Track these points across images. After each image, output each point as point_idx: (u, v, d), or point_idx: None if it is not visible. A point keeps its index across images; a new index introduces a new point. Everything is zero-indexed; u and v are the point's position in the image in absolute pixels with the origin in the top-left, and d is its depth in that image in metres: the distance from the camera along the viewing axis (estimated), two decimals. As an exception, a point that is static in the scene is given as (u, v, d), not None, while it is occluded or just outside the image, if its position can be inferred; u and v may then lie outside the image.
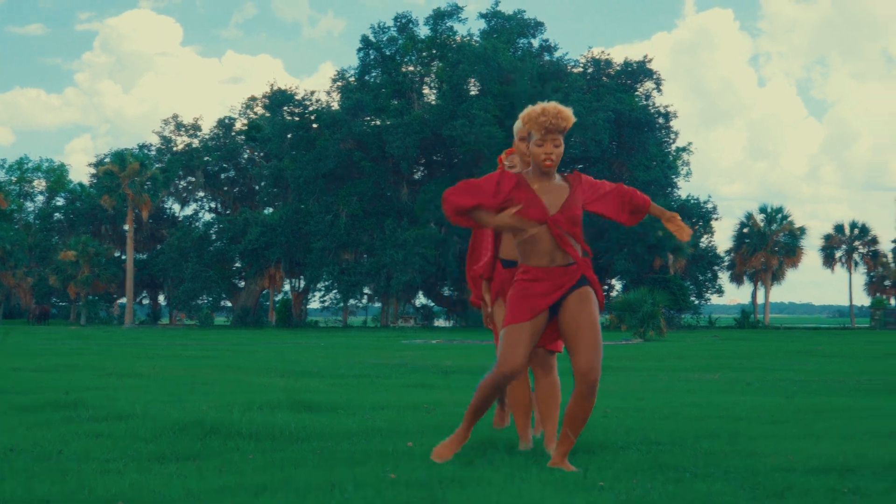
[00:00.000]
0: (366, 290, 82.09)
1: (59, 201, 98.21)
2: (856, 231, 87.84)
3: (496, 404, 8.80)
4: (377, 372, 19.30)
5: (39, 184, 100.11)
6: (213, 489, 5.59)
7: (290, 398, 11.37)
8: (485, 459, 6.74)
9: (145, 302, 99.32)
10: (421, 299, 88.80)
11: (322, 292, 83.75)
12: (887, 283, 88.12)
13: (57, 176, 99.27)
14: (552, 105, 6.49)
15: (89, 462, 6.70)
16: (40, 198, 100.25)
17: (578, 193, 6.65)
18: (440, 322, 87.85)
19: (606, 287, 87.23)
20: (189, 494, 5.43)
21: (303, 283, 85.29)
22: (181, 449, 7.30)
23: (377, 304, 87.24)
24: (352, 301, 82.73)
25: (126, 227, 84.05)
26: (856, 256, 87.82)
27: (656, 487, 5.53)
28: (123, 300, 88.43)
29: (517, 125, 7.18)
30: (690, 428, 8.81)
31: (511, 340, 6.51)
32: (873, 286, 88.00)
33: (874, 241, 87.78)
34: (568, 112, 6.54)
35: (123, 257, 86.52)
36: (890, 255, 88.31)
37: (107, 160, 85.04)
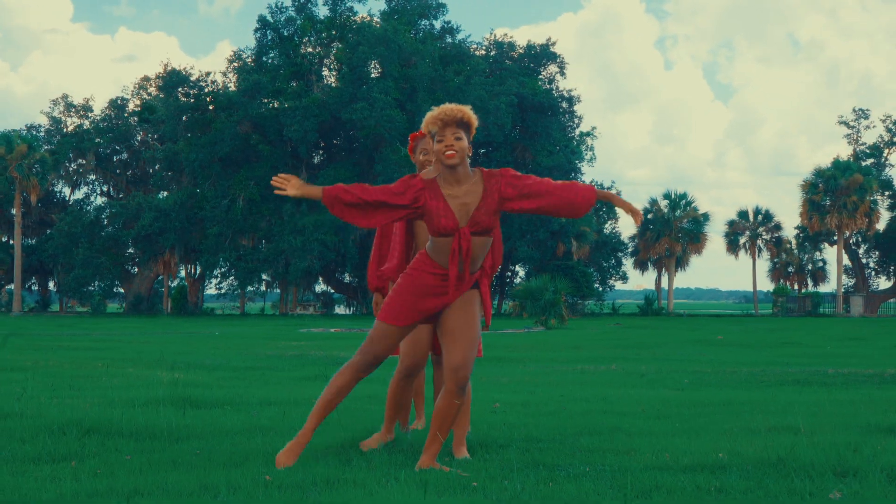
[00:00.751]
0: (264, 277, 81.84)
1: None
2: (760, 217, 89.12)
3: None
4: (270, 364, 19.38)
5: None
6: (86, 492, 5.70)
7: (175, 394, 11.45)
8: (363, 458, 6.90)
9: (34, 288, 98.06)
10: (321, 286, 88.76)
11: (219, 279, 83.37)
12: (791, 269, 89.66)
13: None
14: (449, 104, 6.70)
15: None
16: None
17: (494, 195, 6.71)
18: (340, 309, 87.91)
19: (510, 273, 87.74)
20: (61, 498, 5.53)
21: (199, 270, 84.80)
22: (58, 450, 7.36)
23: (276, 291, 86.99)
24: (250, 288, 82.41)
25: (13, 211, 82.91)
26: (760, 243, 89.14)
27: (528, 487, 5.73)
28: (11, 287, 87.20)
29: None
30: (573, 424, 9.03)
31: (384, 335, 6.80)
32: (777, 273, 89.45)
33: (778, 227, 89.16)
34: (466, 108, 6.70)
35: (11, 243, 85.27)
36: (794, 242, 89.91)
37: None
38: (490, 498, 5.42)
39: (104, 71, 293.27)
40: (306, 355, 22.25)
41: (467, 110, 6.69)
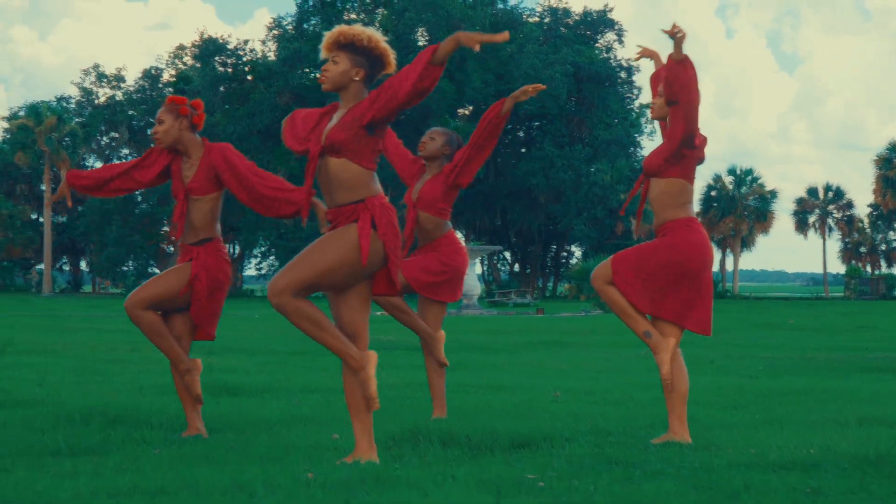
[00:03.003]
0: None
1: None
2: (830, 194, 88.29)
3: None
4: (314, 348, 19.11)
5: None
6: (107, 491, 5.40)
7: (211, 380, 11.18)
8: (415, 454, 6.60)
9: (66, 268, 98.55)
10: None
11: (258, 259, 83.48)
12: (863, 250, 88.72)
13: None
14: None
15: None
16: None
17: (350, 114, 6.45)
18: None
19: (565, 253, 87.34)
20: (77, 497, 5.24)
21: (237, 249, 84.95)
22: (80, 442, 7.10)
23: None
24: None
25: (43, 186, 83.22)
26: (830, 221, 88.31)
27: (600, 488, 5.39)
28: (41, 266, 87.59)
29: None
30: (643, 415, 8.71)
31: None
32: (848, 253, 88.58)
33: (849, 205, 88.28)
34: (353, 28, 6.53)
35: (40, 220, 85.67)
36: (866, 221, 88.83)
37: (21, 113, 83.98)
38: (559, 499, 5.09)
39: (137, 40, 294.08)
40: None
41: (347, 28, 6.54)
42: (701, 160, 7.39)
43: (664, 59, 7.42)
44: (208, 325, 8.02)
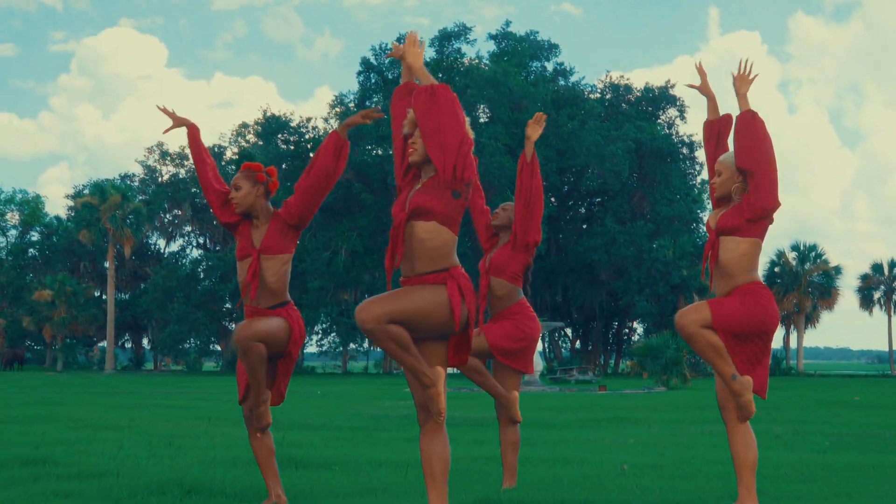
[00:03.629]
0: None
1: (34, 236, 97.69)
2: (895, 270, 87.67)
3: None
4: (376, 424, 19.28)
5: (12, 217, 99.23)
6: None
7: (280, 453, 11.31)
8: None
9: (128, 346, 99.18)
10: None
11: (319, 335, 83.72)
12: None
13: (31, 208, 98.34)
14: None
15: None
16: (13, 232, 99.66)
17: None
18: (448, 370, 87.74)
19: (627, 330, 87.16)
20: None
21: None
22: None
23: (379, 349, 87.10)
24: (352, 345, 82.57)
25: (107, 264, 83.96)
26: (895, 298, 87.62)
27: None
28: (104, 344, 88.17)
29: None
30: (712, 488, 8.78)
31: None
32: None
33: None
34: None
35: (104, 297, 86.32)
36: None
37: (85, 191, 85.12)
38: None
39: (200, 118, 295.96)
40: (414, 415, 22.08)
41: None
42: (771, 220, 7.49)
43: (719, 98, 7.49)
44: (284, 386, 8.23)
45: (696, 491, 8.54)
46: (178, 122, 8.45)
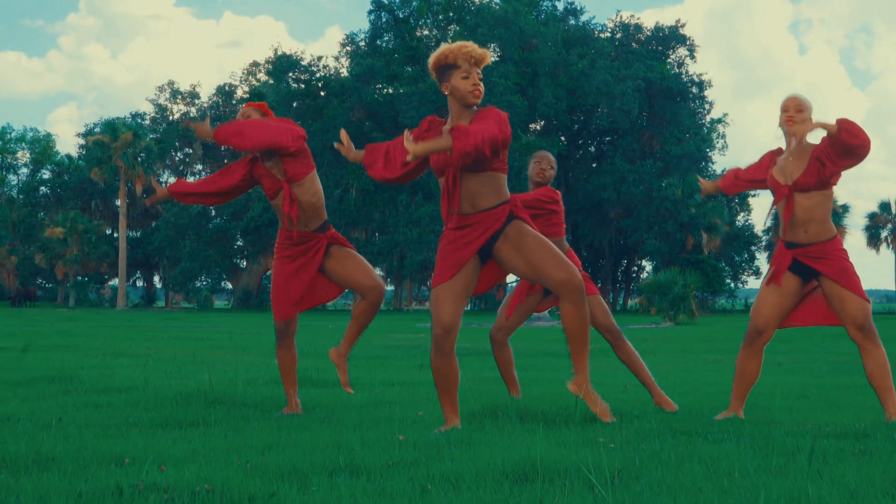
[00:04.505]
0: (378, 272, 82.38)
1: (46, 174, 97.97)
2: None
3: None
4: (388, 353, 19.73)
5: (23, 155, 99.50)
6: (219, 449, 5.98)
7: (299, 372, 11.75)
8: (495, 425, 7.13)
9: (139, 284, 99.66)
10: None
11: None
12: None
13: (42, 147, 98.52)
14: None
15: (90, 428, 7.07)
16: (24, 170, 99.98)
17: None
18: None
19: (636, 268, 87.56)
20: (194, 454, 5.81)
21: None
22: (185, 417, 7.69)
23: (390, 287, 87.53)
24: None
25: (118, 202, 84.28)
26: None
27: (666, 448, 5.91)
28: (115, 281, 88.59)
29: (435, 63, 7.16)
30: (709, 402, 9.19)
31: (436, 298, 6.97)
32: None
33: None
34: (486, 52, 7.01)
35: (115, 235, 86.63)
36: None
37: (97, 130, 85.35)
38: (628, 456, 5.60)
39: (209, 57, 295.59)
40: (425, 346, 22.50)
41: (487, 53, 6.99)
42: None
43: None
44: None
45: (694, 404, 8.94)
46: (160, 194, 8.79)
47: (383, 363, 16.66)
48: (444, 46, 7.01)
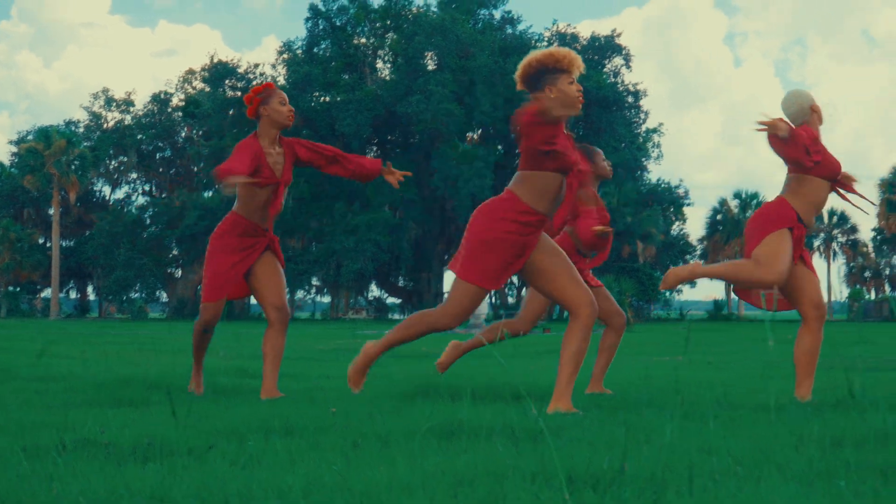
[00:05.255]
0: (314, 282, 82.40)
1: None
2: (835, 219, 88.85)
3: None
4: (326, 357, 19.88)
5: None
6: (158, 420, 6.20)
7: (231, 365, 12.00)
8: (427, 399, 7.38)
9: (73, 294, 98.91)
10: (374, 291, 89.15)
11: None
12: (867, 274, 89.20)
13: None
14: None
15: (30, 408, 7.24)
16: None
17: None
18: (397, 316, 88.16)
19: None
20: (134, 421, 6.03)
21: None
22: (125, 396, 7.89)
23: (325, 300, 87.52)
24: (300, 293, 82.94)
25: (51, 210, 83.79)
26: (835, 246, 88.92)
27: (589, 416, 6.19)
28: (47, 294, 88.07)
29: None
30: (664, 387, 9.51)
31: (471, 299, 6.99)
32: (853, 277, 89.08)
33: (854, 229, 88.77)
34: None
35: (48, 244, 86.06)
36: (870, 245, 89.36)
37: (30, 137, 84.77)
38: (554, 419, 5.86)
39: (144, 66, 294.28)
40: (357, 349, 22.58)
41: None
42: None
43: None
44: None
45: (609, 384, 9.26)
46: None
47: (321, 365, 16.81)
48: (552, 49, 7.18)
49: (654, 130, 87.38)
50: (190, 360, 9.62)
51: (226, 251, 8.48)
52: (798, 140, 7.82)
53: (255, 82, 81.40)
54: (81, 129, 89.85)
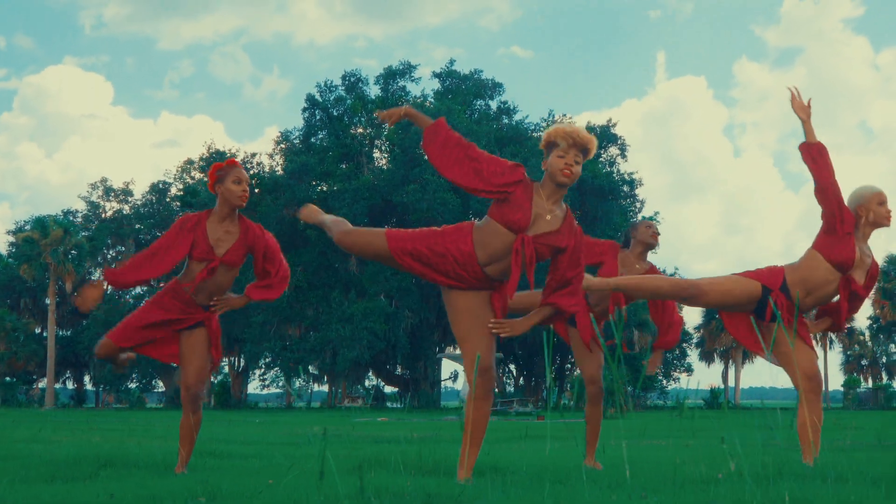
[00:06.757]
0: (311, 370, 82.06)
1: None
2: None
3: None
4: (309, 440, 19.67)
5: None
6: (92, 491, 6.12)
7: (202, 448, 11.85)
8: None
9: (69, 384, 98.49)
10: (371, 380, 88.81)
11: (263, 370, 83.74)
12: (864, 362, 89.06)
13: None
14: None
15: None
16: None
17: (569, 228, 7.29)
18: (394, 405, 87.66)
19: (570, 364, 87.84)
20: (68, 494, 5.94)
21: (242, 363, 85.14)
22: (79, 473, 7.81)
23: (323, 388, 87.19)
24: (297, 383, 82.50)
25: (48, 300, 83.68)
26: (831, 334, 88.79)
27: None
28: (43, 384, 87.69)
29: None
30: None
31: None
32: (850, 366, 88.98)
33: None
34: (594, 139, 7.25)
35: (45, 334, 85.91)
36: (867, 334, 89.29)
37: (27, 227, 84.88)
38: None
39: (145, 156, 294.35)
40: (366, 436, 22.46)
41: (595, 141, 7.24)
42: None
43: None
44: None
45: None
46: (95, 295, 8.82)
47: (301, 449, 16.65)
48: (553, 126, 7.29)
49: (651, 218, 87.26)
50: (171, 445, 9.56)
51: (157, 307, 8.46)
52: (829, 192, 7.97)
53: (252, 171, 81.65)
54: (80, 219, 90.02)
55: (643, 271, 10.15)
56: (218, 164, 8.55)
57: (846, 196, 8.47)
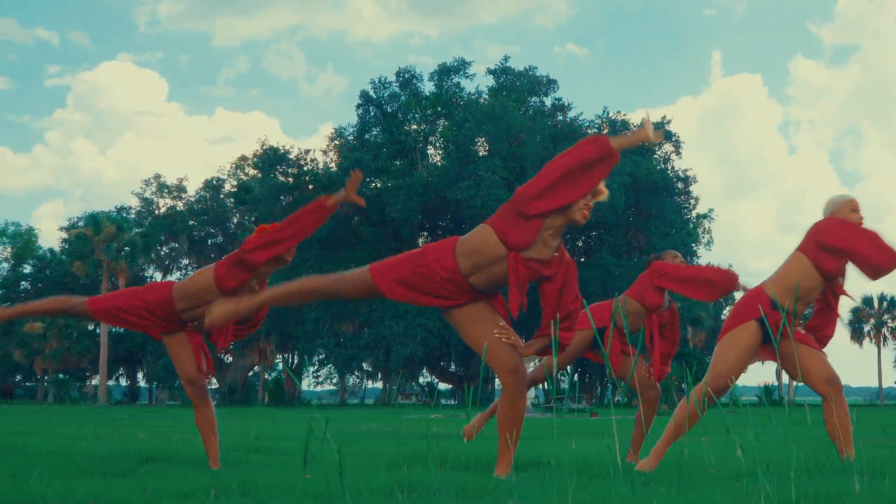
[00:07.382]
0: (365, 367, 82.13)
1: (27, 268, 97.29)
2: (885, 304, 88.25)
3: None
4: (358, 438, 19.60)
5: (5, 250, 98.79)
6: (130, 487, 6.08)
7: (248, 444, 11.82)
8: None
9: (122, 381, 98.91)
10: (425, 376, 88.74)
11: (316, 367, 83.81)
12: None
13: (24, 241, 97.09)
14: None
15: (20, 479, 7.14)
16: (5, 265, 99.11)
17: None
18: (448, 402, 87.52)
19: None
20: (105, 487, 5.90)
21: (296, 360, 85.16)
22: (119, 469, 7.77)
23: (377, 385, 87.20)
24: (351, 380, 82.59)
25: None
26: (885, 331, 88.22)
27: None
28: (97, 380, 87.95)
29: None
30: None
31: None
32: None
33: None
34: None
35: (97, 330, 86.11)
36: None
37: (80, 223, 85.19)
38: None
39: (199, 153, 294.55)
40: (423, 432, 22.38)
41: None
42: None
43: None
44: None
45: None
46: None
47: (350, 445, 16.60)
48: None
49: (705, 216, 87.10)
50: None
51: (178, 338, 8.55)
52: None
53: (306, 168, 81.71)
54: (133, 215, 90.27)
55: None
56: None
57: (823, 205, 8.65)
